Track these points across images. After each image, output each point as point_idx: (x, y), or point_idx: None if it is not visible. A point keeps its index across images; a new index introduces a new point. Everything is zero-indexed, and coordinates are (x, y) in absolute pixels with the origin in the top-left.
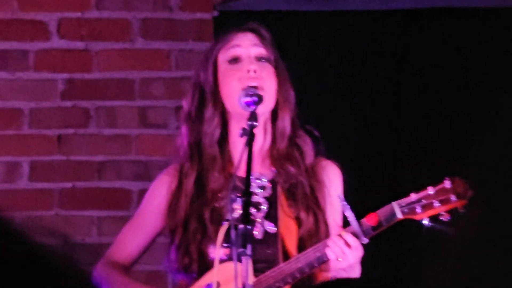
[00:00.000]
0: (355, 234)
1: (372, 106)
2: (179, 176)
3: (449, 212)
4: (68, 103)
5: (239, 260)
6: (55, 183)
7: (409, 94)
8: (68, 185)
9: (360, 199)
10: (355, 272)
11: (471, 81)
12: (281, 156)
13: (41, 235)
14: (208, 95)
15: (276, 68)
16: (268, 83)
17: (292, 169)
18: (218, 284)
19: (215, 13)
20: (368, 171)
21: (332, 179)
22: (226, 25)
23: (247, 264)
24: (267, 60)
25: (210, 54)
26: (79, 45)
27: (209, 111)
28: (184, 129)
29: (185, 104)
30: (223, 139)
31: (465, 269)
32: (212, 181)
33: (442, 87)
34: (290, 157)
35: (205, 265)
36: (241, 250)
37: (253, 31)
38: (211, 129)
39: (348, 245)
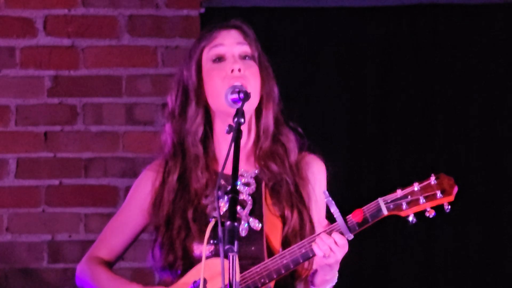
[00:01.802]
0: (340, 231)
1: (360, 101)
2: (164, 172)
3: (434, 208)
4: (55, 100)
5: (226, 257)
6: (42, 180)
7: (398, 90)
8: (55, 182)
9: (348, 194)
10: (337, 268)
11: (460, 78)
12: (265, 154)
13: (27, 232)
14: (191, 93)
15: (260, 65)
16: (252, 82)
17: (275, 167)
18: (205, 281)
19: (202, 10)
20: (356, 166)
21: (317, 174)
22: (212, 21)
23: (234, 261)
24: (251, 57)
25: (194, 52)
26: (66, 42)
27: (192, 109)
28: (168, 127)
29: (169, 101)
30: (207, 137)
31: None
32: (195, 180)
33: (430, 84)
34: (274, 155)
35: (190, 262)
36: (228, 247)
37: (236, 28)
38: (194, 127)
39: (335, 243)
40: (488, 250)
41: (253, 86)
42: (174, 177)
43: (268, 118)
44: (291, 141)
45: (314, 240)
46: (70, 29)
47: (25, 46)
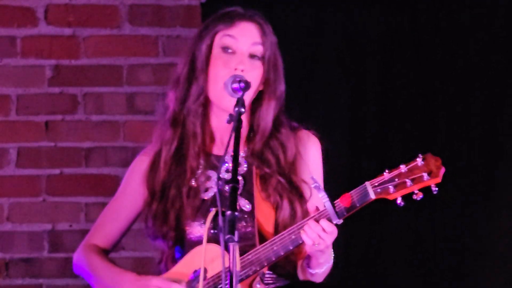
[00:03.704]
0: (328, 218)
1: (361, 98)
2: (159, 148)
3: (422, 190)
4: (56, 90)
5: (226, 246)
6: (42, 169)
7: (399, 87)
8: (56, 171)
9: (349, 190)
10: (329, 251)
11: (461, 74)
12: (260, 150)
13: (28, 222)
14: (197, 72)
15: (268, 64)
16: (251, 80)
17: (268, 166)
18: (205, 270)
19: (203, 0)
20: (357, 162)
21: (310, 150)
22: (214, 11)
23: (234, 250)
24: (260, 58)
25: (210, 29)
26: (67, 31)
27: (195, 88)
28: (171, 94)
29: (179, 65)
30: (207, 116)
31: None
32: (191, 157)
33: (432, 80)
34: (267, 153)
35: (181, 236)
36: (228, 236)
37: (256, 23)
38: (196, 106)
39: (324, 230)
40: (487, 246)
41: (251, 84)
42: (172, 147)
43: (268, 115)
44: (290, 140)
45: (303, 227)
46: (71, 19)
47: (26, 36)
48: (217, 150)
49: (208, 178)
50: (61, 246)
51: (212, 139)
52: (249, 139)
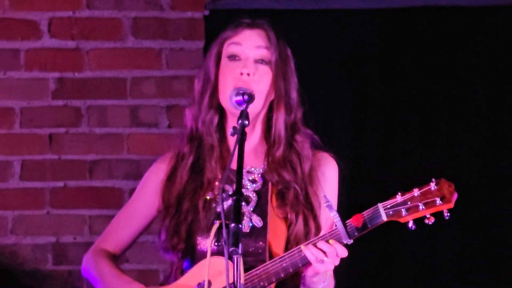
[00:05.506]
0: (339, 239)
1: (364, 102)
2: (177, 158)
3: (434, 215)
4: (60, 102)
5: (230, 259)
6: (46, 182)
7: (400, 91)
8: (60, 184)
9: (351, 192)
10: (324, 275)
11: (462, 78)
12: (277, 161)
13: (32, 234)
14: (208, 84)
15: (276, 69)
16: (260, 85)
17: (287, 175)
18: (210, 283)
19: (206, 12)
20: (359, 165)
21: (327, 173)
22: (218, 23)
23: (239, 263)
24: (267, 63)
25: (218, 40)
26: (70, 44)
27: (206, 100)
28: (187, 111)
29: (196, 82)
30: (223, 128)
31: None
32: (209, 170)
33: (433, 84)
34: (286, 163)
35: (191, 248)
36: (232, 249)
37: (260, 28)
38: (208, 118)
39: (336, 253)
40: (489, 250)
41: (260, 90)
42: (188, 162)
43: (278, 124)
44: (306, 148)
45: (314, 244)
46: (74, 31)
47: (29, 48)
48: (235, 164)
49: (224, 191)
50: (65, 259)
51: (229, 153)
52: (268, 153)
